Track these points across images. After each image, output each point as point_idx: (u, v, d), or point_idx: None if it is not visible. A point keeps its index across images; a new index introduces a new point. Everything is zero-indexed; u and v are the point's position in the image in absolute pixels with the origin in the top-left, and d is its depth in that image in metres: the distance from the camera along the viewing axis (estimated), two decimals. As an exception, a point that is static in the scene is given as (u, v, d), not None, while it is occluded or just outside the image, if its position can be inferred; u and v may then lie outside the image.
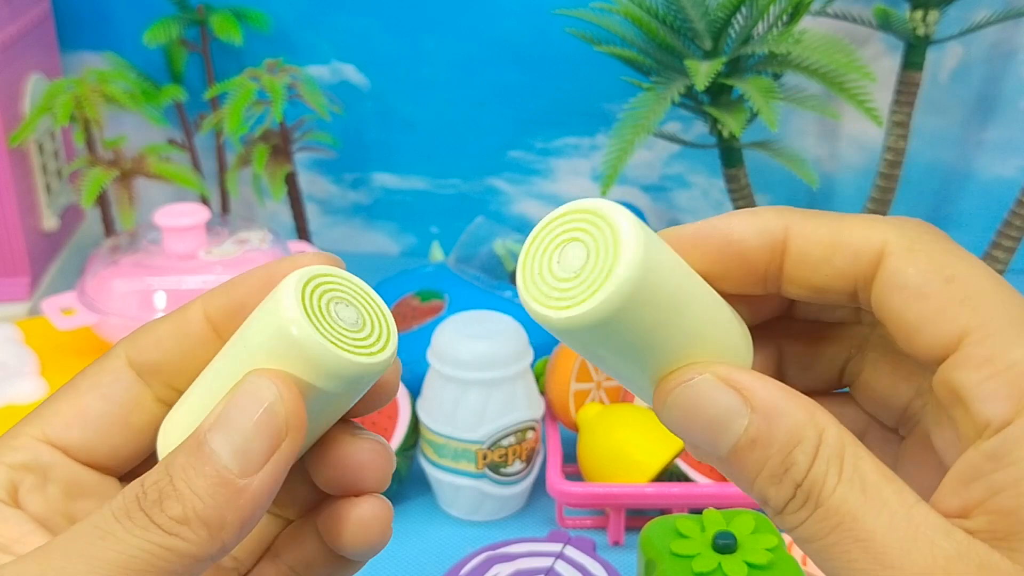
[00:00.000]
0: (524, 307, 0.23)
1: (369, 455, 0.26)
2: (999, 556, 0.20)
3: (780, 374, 0.28)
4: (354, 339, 0.24)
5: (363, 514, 0.26)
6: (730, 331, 0.25)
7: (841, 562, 0.21)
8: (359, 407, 0.26)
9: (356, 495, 0.26)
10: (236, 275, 0.26)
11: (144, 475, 0.23)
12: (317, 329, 0.23)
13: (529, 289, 0.23)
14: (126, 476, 0.27)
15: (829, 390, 0.28)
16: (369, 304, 0.25)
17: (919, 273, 0.23)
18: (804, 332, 0.28)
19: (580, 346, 0.23)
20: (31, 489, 0.25)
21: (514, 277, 0.76)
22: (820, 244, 0.24)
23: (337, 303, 0.24)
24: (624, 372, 0.24)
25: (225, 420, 0.23)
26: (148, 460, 0.27)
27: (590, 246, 0.22)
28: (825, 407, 0.24)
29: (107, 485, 0.26)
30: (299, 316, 0.23)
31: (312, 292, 0.24)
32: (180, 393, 0.26)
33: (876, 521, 0.21)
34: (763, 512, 0.49)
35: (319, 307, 0.24)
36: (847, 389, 0.28)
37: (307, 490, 0.27)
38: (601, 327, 0.22)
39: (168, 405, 0.26)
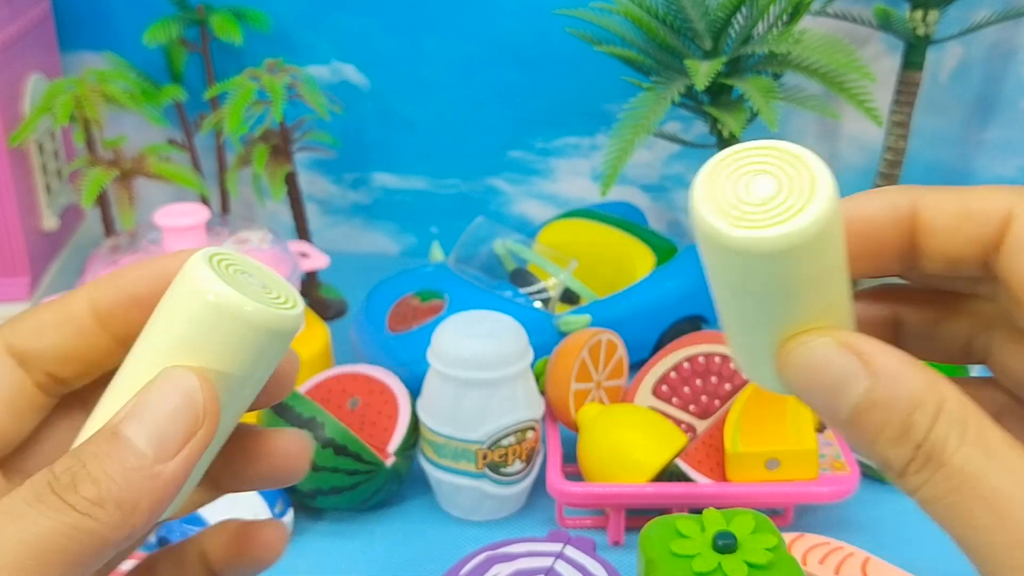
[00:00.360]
0: (697, 223, 0.23)
1: (296, 443, 0.28)
2: None
3: (898, 343, 0.28)
4: (269, 298, 0.25)
5: (269, 536, 0.28)
6: (851, 305, 0.25)
7: (964, 521, 0.21)
8: (262, 398, 0.27)
9: (283, 484, 0.28)
10: (121, 267, 0.27)
11: (52, 465, 0.23)
12: (236, 291, 0.24)
13: (709, 206, 0.23)
14: (4, 462, 0.27)
15: (951, 363, 0.28)
16: (267, 274, 0.26)
17: None
18: (924, 301, 0.28)
19: (735, 275, 0.23)
20: None
21: (513, 277, 0.76)
22: (949, 213, 0.24)
23: (241, 273, 0.25)
24: (750, 321, 0.24)
25: (140, 409, 0.23)
26: (26, 445, 0.27)
27: (783, 181, 0.23)
28: (963, 388, 0.24)
29: None
30: (217, 282, 0.24)
31: (218, 265, 0.24)
32: (60, 381, 0.26)
33: (1001, 480, 0.21)
34: (761, 513, 0.49)
35: (230, 276, 0.24)
36: (981, 368, 0.28)
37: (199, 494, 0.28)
38: (774, 257, 0.22)
39: (48, 393, 0.27)
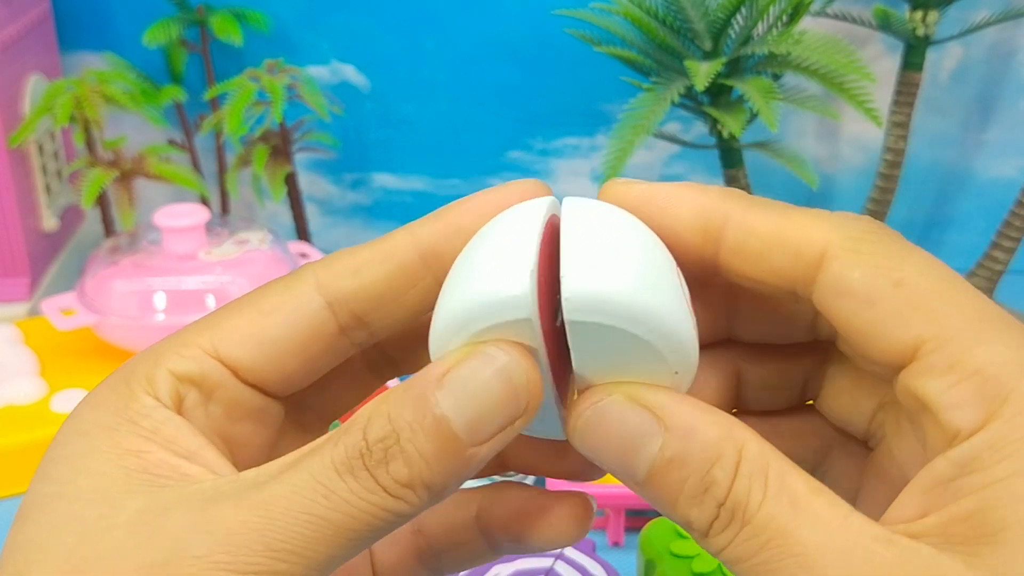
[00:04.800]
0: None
1: (582, 508, 0.26)
2: (949, 559, 0.19)
3: (740, 397, 0.27)
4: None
5: (562, 514, 0.25)
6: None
7: None
8: None
9: (559, 547, 0.26)
10: (444, 207, 0.25)
11: (364, 424, 0.21)
12: None
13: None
14: (288, 399, 0.26)
15: (795, 407, 0.27)
16: None
17: (864, 277, 0.22)
18: (763, 352, 0.27)
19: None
20: (195, 405, 0.23)
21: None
22: (759, 237, 0.23)
23: None
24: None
25: (461, 384, 0.21)
26: (314, 386, 0.26)
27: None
28: (790, 422, 0.23)
29: (269, 409, 0.25)
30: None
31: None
32: (367, 326, 0.25)
33: (810, 534, 0.20)
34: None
35: None
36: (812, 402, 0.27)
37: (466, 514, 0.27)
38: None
39: (351, 339, 0.25)
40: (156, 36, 0.84)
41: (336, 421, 0.28)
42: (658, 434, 0.21)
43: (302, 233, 0.88)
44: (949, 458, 0.20)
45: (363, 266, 0.24)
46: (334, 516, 0.20)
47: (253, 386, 0.24)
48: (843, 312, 0.22)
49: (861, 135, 0.88)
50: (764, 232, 0.23)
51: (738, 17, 0.73)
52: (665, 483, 0.21)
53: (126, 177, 0.82)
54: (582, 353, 0.22)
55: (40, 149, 0.84)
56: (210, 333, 0.24)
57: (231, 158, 0.88)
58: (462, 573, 0.53)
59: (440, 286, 0.23)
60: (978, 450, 0.20)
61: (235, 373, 0.24)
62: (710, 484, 0.20)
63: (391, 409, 0.21)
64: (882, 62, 0.84)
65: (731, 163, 0.78)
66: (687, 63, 0.69)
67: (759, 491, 0.20)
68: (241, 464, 0.23)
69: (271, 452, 0.26)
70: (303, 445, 0.23)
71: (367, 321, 0.25)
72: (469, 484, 0.23)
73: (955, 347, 0.21)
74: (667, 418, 0.21)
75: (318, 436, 0.25)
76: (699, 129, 0.87)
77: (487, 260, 0.22)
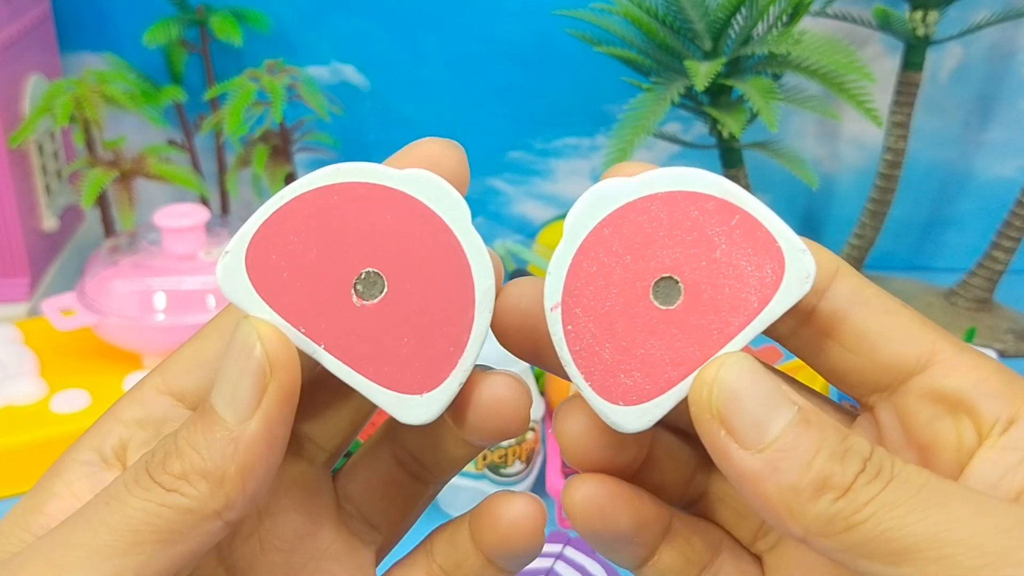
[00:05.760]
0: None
1: (503, 390, 0.25)
2: None
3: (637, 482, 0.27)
4: None
5: (512, 513, 0.26)
6: None
7: (924, 526, 0.20)
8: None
9: (497, 438, 0.26)
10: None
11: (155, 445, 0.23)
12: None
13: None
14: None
15: (675, 505, 0.27)
16: None
17: (878, 294, 0.24)
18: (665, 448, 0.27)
19: None
20: (140, 445, 0.24)
21: (514, 277, 0.76)
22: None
23: None
24: None
25: (218, 375, 0.22)
26: (309, 416, 0.26)
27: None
28: (678, 527, 0.24)
29: None
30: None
31: None
32: None
33: (951, 487, 0.21)
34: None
35: None
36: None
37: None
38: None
39: None
40: (156, 36, 0.84)
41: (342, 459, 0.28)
42: (790, 400, 0.22)
43: (302, 233, 0.88)
44: (1000, 444, 0.22)
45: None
46: (112, 519, 0.21)
47: None
48: (859, 318, 0.24)
49: (861, 135, 0.88)
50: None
51: (738, 17, 0.73)
52: (802, 441, 0.21)
53: (126, 177, 0.82)
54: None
55: (40, 149, 0.84)
56: (160, 370, 0.25)
57: (231, 158, 0.88)
58: None
59: None
60: None
61: (183, 401, 0.25)
62: (850, 445, 0.21)
63: (183, 425, 0.22)
64: (882, 62, 0.84)
65: (731, 163, 0.78)
66: (687, 63, 0.69)
67: (897, 460, 0.21)
68: None
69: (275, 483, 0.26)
70: (310, 476, 0.24)
71: None
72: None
73: (971, 354, 0.23)
74: (792, 396, 0.22)
75: (325, 467, 0.26)
76: (699, 129, 0.87)
77: None
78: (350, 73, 0.90)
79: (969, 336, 0.70)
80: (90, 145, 0.83)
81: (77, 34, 0.91)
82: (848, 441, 0.21)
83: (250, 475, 0.22)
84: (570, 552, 0.54)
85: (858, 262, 0.84)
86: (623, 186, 0.23)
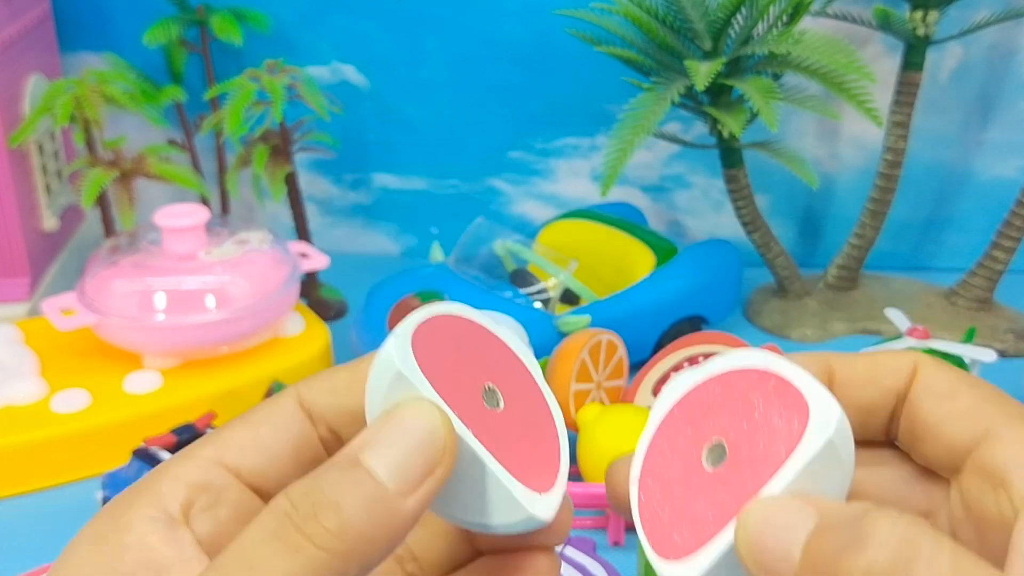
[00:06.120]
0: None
1: (547, 569, 0.27)
2: None
3: None
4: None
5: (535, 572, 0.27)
6: None
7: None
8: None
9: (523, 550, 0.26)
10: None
11: (287, 490, 0.22)
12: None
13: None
14: None
15: None
16: None
17: (947, 380, 0.26)
18: None
19: None
20: (204, 508, 0.25)
21: (513, 278, 0.76)
22: (862, 367, 0.27)
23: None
24: None
25: (380, 439, 0.23)
26: None
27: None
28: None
29: None
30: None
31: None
32: (341, 440, 0.27)
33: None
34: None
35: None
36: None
37: (462, 547, 0.28)
38: None
39: (329, 450, 0.27)
40: (156, 36, 0.84)
41: None
42: (812, 515, 0.22)
43: (302, 233, 0.88)
44: None
45: (338, 387, 0.27)
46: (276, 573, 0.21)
47: (256, 490, 0.26)
48: (924, 410, 0.26)
49: (861, 135, 0.88)
50: (864, 363, 0.28)
51: (738, 17, 0.73)
52: (825, 543, 0.22)
53: (126, 177, 0.82)
54: None
55: (40, 149, 0.84)
56: (214, 446, 0.26)
57: (231, 158, 0.88)
58: None
59: None
60: None
61: (238, 476, 0.26)
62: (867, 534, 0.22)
63: (318, 472, 0.22)
64: (882, 62, 0.84)
65: (731, 163, 0.78)
66: (687, 63, 0.69)
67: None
68: None
69: None
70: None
71: (341, 434, 0.27)
72: None
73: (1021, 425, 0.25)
74: (814, 503, 0.23)
75: None
76: (699, 129, 0.87)
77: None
78: (350, 73, 0.90)
79: (969, 336, 0.70)
80: (90, 145, 0.83)
81: (77, 34, 0.91)
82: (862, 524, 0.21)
83: (393, 545, 0.22)
84: (570, 552, 0.54)
85: (858, 262, 0.84)
86: (691, 375, 0.26)
